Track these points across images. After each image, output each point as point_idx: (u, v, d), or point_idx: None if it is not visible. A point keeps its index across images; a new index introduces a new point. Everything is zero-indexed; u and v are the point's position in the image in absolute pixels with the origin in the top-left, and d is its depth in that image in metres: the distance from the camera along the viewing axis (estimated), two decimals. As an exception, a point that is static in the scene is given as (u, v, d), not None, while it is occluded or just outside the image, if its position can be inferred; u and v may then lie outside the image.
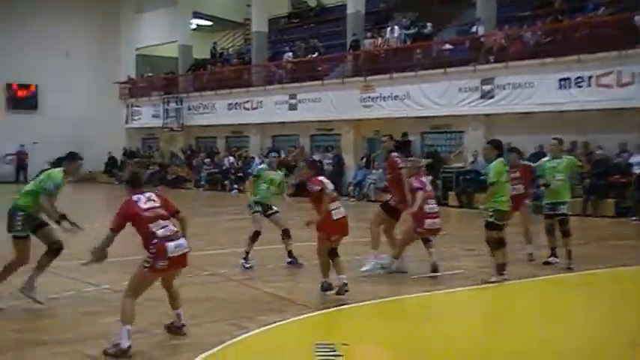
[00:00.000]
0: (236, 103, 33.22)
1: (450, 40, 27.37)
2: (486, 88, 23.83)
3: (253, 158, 30.89)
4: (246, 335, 7.53)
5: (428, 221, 10.82)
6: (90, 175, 36.21)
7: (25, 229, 8.32)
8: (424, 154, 26.21)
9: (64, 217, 8.53)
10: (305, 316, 8.45)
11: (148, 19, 40.95)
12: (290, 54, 32.85)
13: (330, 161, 28.90)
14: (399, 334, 7.92)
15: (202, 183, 33.05)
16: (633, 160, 20.53)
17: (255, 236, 11.67)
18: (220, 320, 8.13)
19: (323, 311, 8.72)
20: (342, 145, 29.53)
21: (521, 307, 9.74)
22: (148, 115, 38.46)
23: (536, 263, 12.17)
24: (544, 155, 14.04)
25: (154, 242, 6.97)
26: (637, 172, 20.05)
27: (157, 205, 7.24)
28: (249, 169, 31.69)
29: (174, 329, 7.48)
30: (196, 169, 34.12)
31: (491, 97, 23.74)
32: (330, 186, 9.45)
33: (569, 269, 11.60)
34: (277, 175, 12.21)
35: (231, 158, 32.80)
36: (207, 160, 33.80)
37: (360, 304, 9.15)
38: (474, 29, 26.10)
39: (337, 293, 9.20)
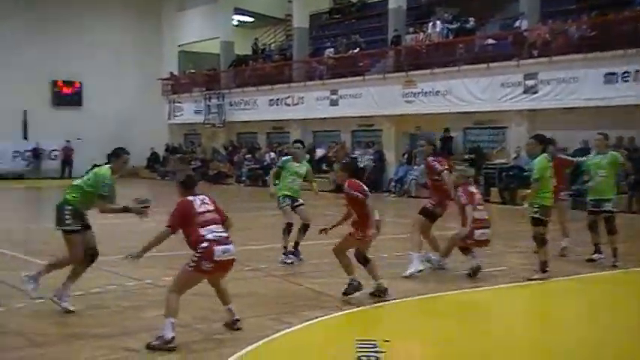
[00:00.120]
0: (277, 99, 33.29)
1: (492, 35, 27.12)
2: (529, 83, 23.55)
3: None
4: (288, 330, 7.55)
5: (477, 232, 10.46)
6: (133, 170, 36.56)
7: (75, 222, 8.16)
8: (466, 150, 26.05)
9: (127, 208, 8.31)
10: (346, 312, 8.43)
11: (189, 16, 41.23)
12: (331, 50, 32.84)
13: (371, 157, 28.87)
14: (440, 331, 7.87)
15: (243, 179, 33.19)
16: (680, 155, 20.16)
17: (288, 229, 11.71)
18: (262, 315, 8.15)
19: (364, 307, 8.69)
20: (384, 140, 29.43)
21: (564, 306, 9.60)
22: (190, 111, 38.73)
23: (579, 260, 11.98)
24: (589, 151, 13.85)
25: (202, 244, 7.03)
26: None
27: (211, 208, 7.31)
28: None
29: (229, 324, 7.52)
30: (238, 164, 34.27)
31: (535, 93, 23.45)
32: (365, 187, 9.17)
33: (614, 267, 11.43)
34: (302, 166, 12.13)
35: (273, 154, 32.85)
36: (248, 156, 33.94)
37: (402, 300, 9.11)
38: (517, 23, 25.79)
39: (376, 294, 9.00)
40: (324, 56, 32.74)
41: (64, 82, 39.48)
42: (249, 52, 39.75)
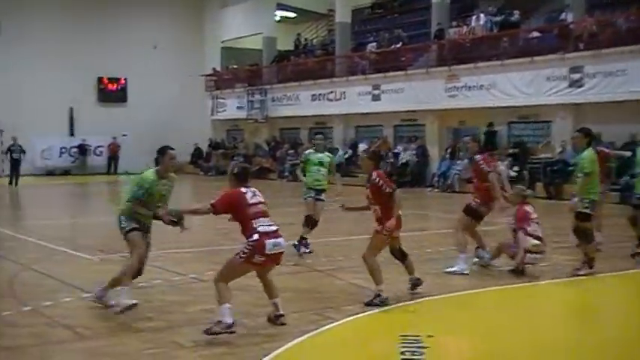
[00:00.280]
0: (319, 94, 33.29)
1: (537, 28, 26.79)
2: (575, 76, 23.21)
3: (337, 149, 30.93)
4: (331, 325, 7.55)
5: (530, 256, 10.16)
6: (177, 166, 36.91)
7: (130, 224, 8.06)
8: (510, 144, 25.79)
9: (157, 217, 8.09)
10: (390, 307, 8.41)
11: (232, 12, 41.40)
12: (373, 44, 32.72)
13: (414, 152, 28.74)
14: (484, 327, 7.82)
15: (286, 174, 33.25)
16: None
17: (308, 221, 11.80)
18: (305, 311, 8.17)
19: (408, 303, 8.66)
20: (427, 135, 29.28)
21: (609, 302, 9.47)
22: (233, 106, 38.92)
23: (624, 255, 11.76)
24: (637, 145, 13.60)
25: (254, 237, 7.10)
26: None
27: (262, 200, 7.38)
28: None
29: (272, 319, 7.56)
30: (280, 160, 34.37)
31: (581, 86, 23.11)
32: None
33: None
34: (325, 156, 12.26)
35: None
36: (290, 151, 34.00)
37: (445, 295, 9.06)
38: (562, 16, 25.45)
39: (413, 287, 9.00)
40: (367, 51, 32.65)
41: (109, 79, 39.94)
42: (291, 47, 39.81)
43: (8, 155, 30.84)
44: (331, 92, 32.58)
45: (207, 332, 6.97)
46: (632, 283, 10.53)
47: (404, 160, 28.84)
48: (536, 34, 26.29)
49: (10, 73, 36.21)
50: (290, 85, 35.10)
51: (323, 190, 12.11)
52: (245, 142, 38.90)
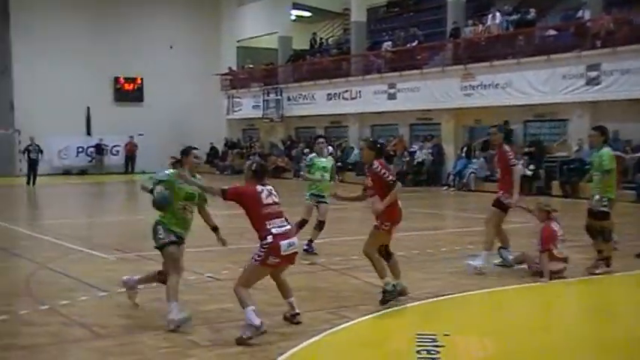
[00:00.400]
0: (335, 94, 33.29)
1: (554, 26, 26.65)
2: (592, 74, 23.09)
3: (352, 148, 30.90)
4: (346, 324, 7.54)
5: (552, 266, 9.89)
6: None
7: (168, 236, 7.71)
8: (526, 143, 25.69)
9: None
10: (405, 306, 8.39)
11: (248, 11, 41.48)
12: (389, 43, 32.67)
13: (430, 151, 28.69)
14: (500, 326, 7.79)
15: (301, 173, 33.24)
16: None
17: (301, 224, 11.79)
18: (320, 309, 8.16)
19: (423, 301, 8.64)
20: (442, 134, 29.23)
21: (626, 301, 9.40)
22: (249, 106, 38.98)
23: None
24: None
25: (268, 239, 7.07)
26: None
27: (277, 201, 7.33)
28: (348, 159, 31.84)
29: (288, 318, 7.57)
30: (296, 159, 34.37)
31: (598, 84, 22.98)
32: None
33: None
34: (328, 161, 12.35)
35: (330, 148, 32.83)
36: (306, 151, 33.98)
37: (461, 294, 9.03)
38: (579, 14, 25.32)
39: (399, 294, 8.42)
40: (382, 50, 32.61)
41: (125, 78, 40.10)
42: (306, 46, 39.83)
43: (26, 155, 31.06)
44: (347, 91, 32.58)
45: (240, 341, 6.85)
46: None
47: (420, 159, 28.81)
48: (552, 32, 26.17)
49: (28, 73, 36.49)
50: (305, 85, 35.13)
51: (324, 194, 12.13)
52: (260, 141, 38.96)
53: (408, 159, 29.09)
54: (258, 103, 37.78)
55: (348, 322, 7.66)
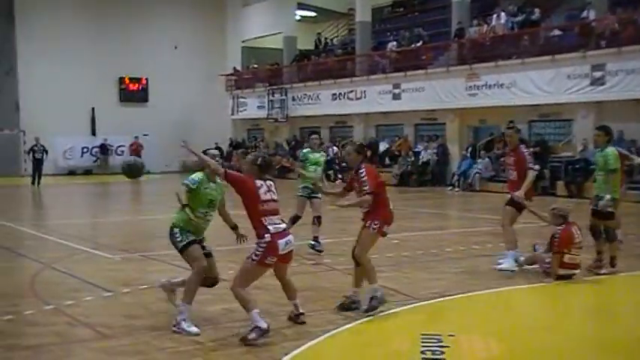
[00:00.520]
0: (340, 94, 33.30)
1: (558, 26, 26.63)
2: (597, 74, 23.06)
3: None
4: (351, 325, 7.54)
5: (562, 270, 9.76)
6: (197, 165, 37.04)
7: (187, 237, 7.55)
8: (531, 143, 25.64)
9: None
10: (410, 306, 8.39)
11: (253, 12, 41.51)
12: (394, 43, 32.68)
13: (435, 151, 28.68)
14: (504, 326, 7.78)
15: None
16: None
17: (294, 220, 11.84)
18: (325, 309, 8.16)
19: (428, 302, 8.63)
20: (447, 134, 29.21)
21: (631, 301, 9.38)
22: (254, 106, 39.01)
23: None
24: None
25: (266, 237, 7.05)
26: None
27: (275, 198, 7.30)
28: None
29: (293, 318, 7.55)
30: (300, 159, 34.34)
31: (602, 84, 22.96)
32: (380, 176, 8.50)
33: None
34: (320, 156, 12.54)
35: (335, 148, 32.88)
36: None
37: (466, 294, 9.02)
38: (584, 14, 25.30)
39: (346, 306, 8.11)
40: (387, 50, 32.61)
41: (130, 78, 40.16)
42: (311, 46, 39.83)
43: (31, 155, 31.12)
44: (351, 91, 32.58)
45: (245, 342, 6.85)
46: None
47: (424, 159, 28.81)
48: (557, 32, 26.16)
49: (33, 73, 36.57)
50: (310, 85, 35.14)
51: (315, 189, 12.17)
52: (265, 141, 38.96)
53: (412, 159, 29.09)
54: (263, 104, 37.81)
55: (352, 322, 7.65)
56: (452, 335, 7.03)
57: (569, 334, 7.46)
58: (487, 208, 20.27)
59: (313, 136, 13.11)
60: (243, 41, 42.32)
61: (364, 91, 31.91)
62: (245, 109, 39.92)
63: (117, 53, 38.48)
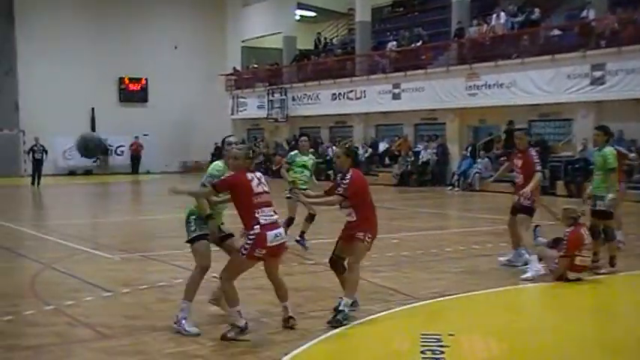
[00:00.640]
0: (340, 94, 33.29)
1: (558, 26, 26.64)
2: (597, 74, 23.06)
3: (357, 148, 30.87)
4: (351, 324, 7.53)
5: (570, 274, 9.68)
6: (197, 164, 37.16)
7: (200, 229, 7.50)
8: (531, 142, 25.62)
9: (210, 216, 7.51)
10: (410, 306, 8.40)
11: (253, 11, 41.50)
12: (394, 43, 32.68)
13: (434, 151, 28.68)
14: (504, 326, 7.78)
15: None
16: None
17: (289, 222, 11.92)
18: (325, 309, 8.14)
19: (428, 301, 8.64)
20: (447, 134, 29.21)
21: (631, 301, 9.38)
22: (253, 106, 39.00)
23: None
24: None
25: (255, 229, 6.98)
26: None
27: (267, 190, 7.24)
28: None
29: (284, 321, 7.47)
30: (300, 159, 34.33)
31: (602, 84, 22.96)
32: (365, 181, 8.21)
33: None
34: (309, 159, 12.65)
35: (335, 148, 32.89)
36: (311, 150, 33.97)
37: (466, 294, 9.02)
38: (584, 13, 25.30)
39: (329, 322, 7.58)
40: (387, 50, 32.61)
41: (130, 79, 40.15)
42: (311, 46, 39.82)
43: (30, 155, 31.09)
44: (351, 91, 32.58)
45: (223, 338, 6.98)
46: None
47: (424, 159, 28.81)
48: (557, 31, 26.16)
49: (32, 74, 36.56)
50: (310, 85, 35.13)
51: (306, 189, 12.17)
52: (265, 141, 38.96)
53: (412, 159, 29.09)
54: (263, 103, 37.81)
55: (352, 322, 7.65)
56: (452, 335, 7.03)
57: (569, 334, 7.46)
58: (487, 207, 20.29)
59: (302, 138, 13.26)
60: (243, 41, 42.31)
61: (364, 91, 31.91)
62: (245, 109, 39.91)
63: (117, 53, 38.46)
